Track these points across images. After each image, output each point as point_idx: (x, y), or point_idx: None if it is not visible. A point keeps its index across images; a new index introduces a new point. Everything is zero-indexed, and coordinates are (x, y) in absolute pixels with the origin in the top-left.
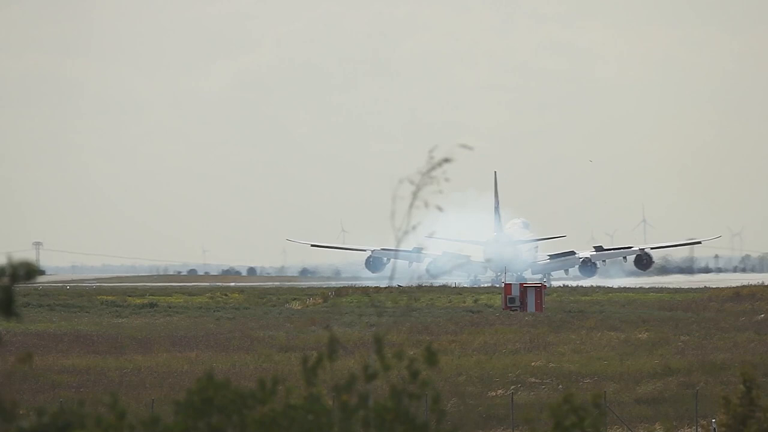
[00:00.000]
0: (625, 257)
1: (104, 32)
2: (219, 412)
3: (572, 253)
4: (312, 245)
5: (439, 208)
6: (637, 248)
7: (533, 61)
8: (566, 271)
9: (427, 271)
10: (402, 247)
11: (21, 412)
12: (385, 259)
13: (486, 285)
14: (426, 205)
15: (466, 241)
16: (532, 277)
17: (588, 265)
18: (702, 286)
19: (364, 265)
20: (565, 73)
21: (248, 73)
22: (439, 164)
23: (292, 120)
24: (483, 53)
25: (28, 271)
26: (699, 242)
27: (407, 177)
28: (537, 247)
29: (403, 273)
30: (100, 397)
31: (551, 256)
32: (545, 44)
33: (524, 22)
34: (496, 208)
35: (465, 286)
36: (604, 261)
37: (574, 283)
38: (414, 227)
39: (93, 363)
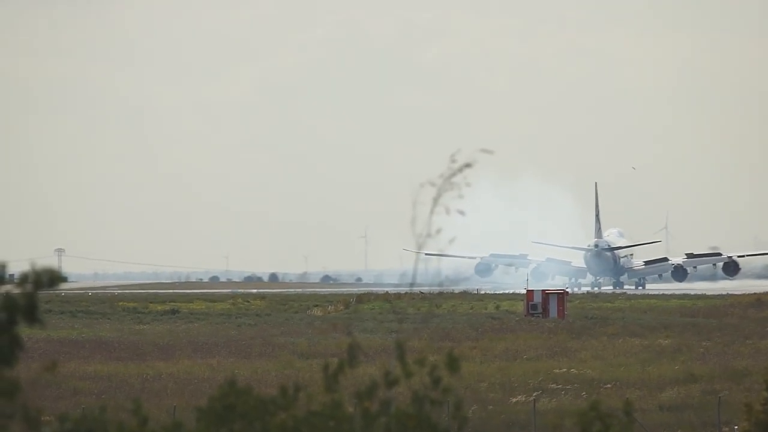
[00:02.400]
0: (714, 264)
1: (126, 39)
2: (241, 418)
3: (665, 259)
4: (426, 254)
5: (462, 213)
6: (726, 256)
7: (555, 66)
8: (660, 276)
9: (531, 275)
10: (508, 253)
11: (45, 418)
12: (493, 264)
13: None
14: (447, 211)
15: (568, 247)
16: (629, 282)
17: (679, 271)
18: (725, 293)
19: (473, 271)
20: (588, 78)
21: (270, 79)
22: (460, 170)
23: (315, 126)
24: (505, 58)
25: (52, 278)
26: None
27: (429, 181)
28: (632, 254)
29: (508, 277)
30: (122, 404)
31: (646, 263)
32: (568, 50)
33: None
34: (597, 216)
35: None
36: (695, 267)
37: (668, 288)
38: (438, 231)
39: (114, 369)
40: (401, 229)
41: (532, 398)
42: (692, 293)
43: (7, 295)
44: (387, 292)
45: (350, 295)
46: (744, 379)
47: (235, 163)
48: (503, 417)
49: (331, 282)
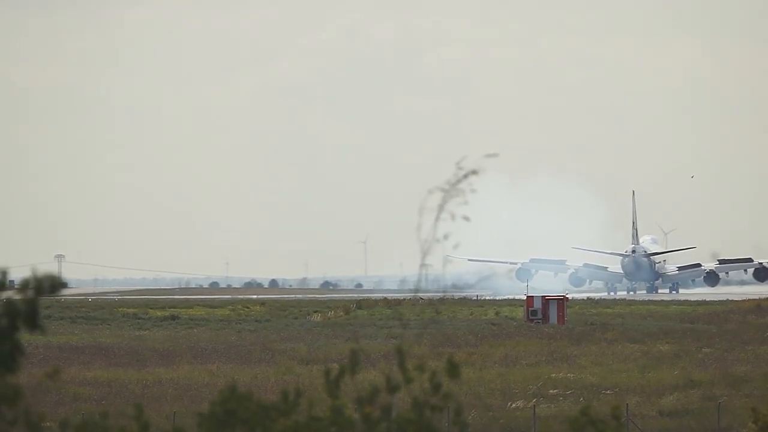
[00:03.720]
0: (746, 269)
1: (129, 45)
2: (242, 424)
3: (698, 265)
4: (469, 260)
5: (467, 219)
6: (757, 262)
7: (558, 73)
8: (692, 281)
9: (569, 280)
10: (547, 258)
11: (46, 424)
12: (533, 270)
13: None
14: (453, 217)
15: (606, 253)
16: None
17: (712, 277)
18: (725, 298)
19: (514, 276)
20: (590, 85)
21: (272, 84)
22: (465, 177)
23: (316, 131)
24: (509, 65)
25: (53, 284)
26: None
27: (435, 188)
28: (665, 259)
29: (547, 282)
30: (124, 409)
31: (680, 268)
32: (570, 57)
33: (550, 34)
34: (634, 223)
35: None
36: (726, 273)
37: (700, 292)
38: (445, 237)
39: (114, 375)
40: (402, 235)
41: (531, 404)
42: (692, 299)
43: (9, 302)
44: (385, 298)
45: (350, 301)
46: (744, 384)
47: (235, 169)
48: (502, 422)
49: (331, 288)
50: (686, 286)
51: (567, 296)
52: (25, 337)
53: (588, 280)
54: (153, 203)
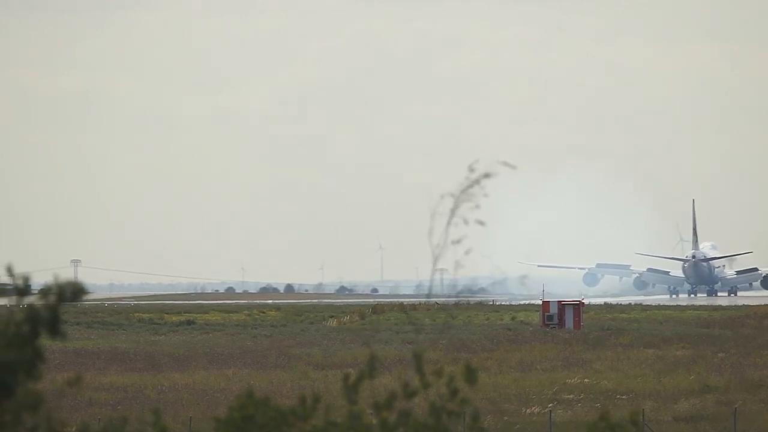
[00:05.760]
0: None
1: (145, 51)
2: (260, 429)
3: (755, 269)
4: (539, 266)
5: (481, 223)
6: None
7: (573, 77)
8: (750, 284)
9: (633, 284)
10: (612, 263)
11: (67, 430)
12: (599, 275)
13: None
14: (466, 222)
15: (667, 258)
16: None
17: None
18: (741, 303)
19: (581, 281)
20: (607, 89)
21: (288, 90)
22: (477, 181)
23: (331, 136)
24: (523, 70)
25: (75, 290)
26: None
27: (447, 193)
28: (724, 265)
29: (612, 286)
30: (144, 417)
31: (738, 272)
32: (586, 61)
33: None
34: (694, 229)
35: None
36: None
37: (756, 295)
38: (459, 241)
39: (130, 380)
40: (417, 240)
41: (546, 409)
42: (708, 305)
43: (31, 308)
44: (401, 302)
45: (366, 306)
46: (759, 390)
47: (251, 174)
48: (518, 428)
49: (347, 293)
50: (744, 290)
51: (583, 301)
52: (41, 341)
53: (651, 284)
54: (169, 209)
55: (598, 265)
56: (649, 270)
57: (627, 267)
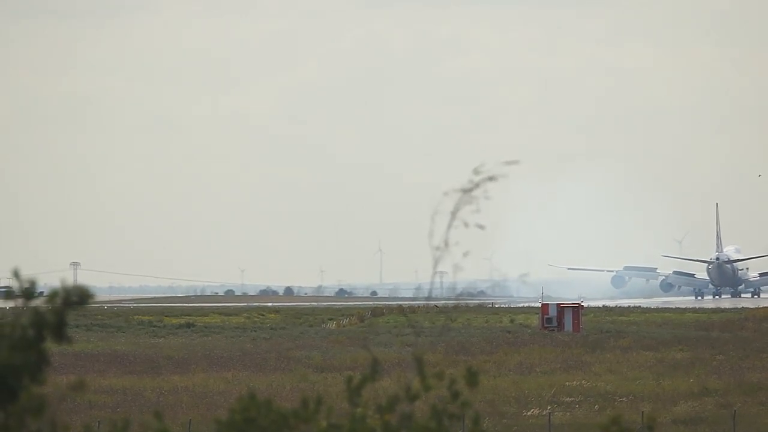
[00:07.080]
0: None
1: (147, 53)
2: (261, 431)
3: None
4: (569, 269)
5: (481, 227)
6: None
7: (576, 80)
8: None
9: (660, 286)
10: (640, 265)
11: None
12: (627, 277)
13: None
14: (466, 225)
15: (692, 260)
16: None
17: None
18: (739, 306)
19: (610, 283)
20: (609, 92)
21: (289, 92)
22: (478, 184)
23: (332, 139)
24: (526, 72)
25: (81, 295)
26: None
27: (449, 194)
28: (748, 267)
29: (640, 289)
30: (145, 421)
31: (760, 275)
32: (589, 64)
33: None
34: (717, 233)
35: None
36: None
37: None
38: (456, 243)
39: (130, 383)
40: (417, 243)
41: (546, 412)
42: (707, 307)
43: (36, 311)
44: (401, 305)
45: (365, 308)
46: (758, 392)
47: (250, 176)
48: (516, 430)
49: (346, 295)
50: (767, 291)
51: (582, 304)
52: (46, 345)
53: (677, 287)
54: (169, 211)
55: (626, 268)
56: (675, 273)
57: (654, 270)
